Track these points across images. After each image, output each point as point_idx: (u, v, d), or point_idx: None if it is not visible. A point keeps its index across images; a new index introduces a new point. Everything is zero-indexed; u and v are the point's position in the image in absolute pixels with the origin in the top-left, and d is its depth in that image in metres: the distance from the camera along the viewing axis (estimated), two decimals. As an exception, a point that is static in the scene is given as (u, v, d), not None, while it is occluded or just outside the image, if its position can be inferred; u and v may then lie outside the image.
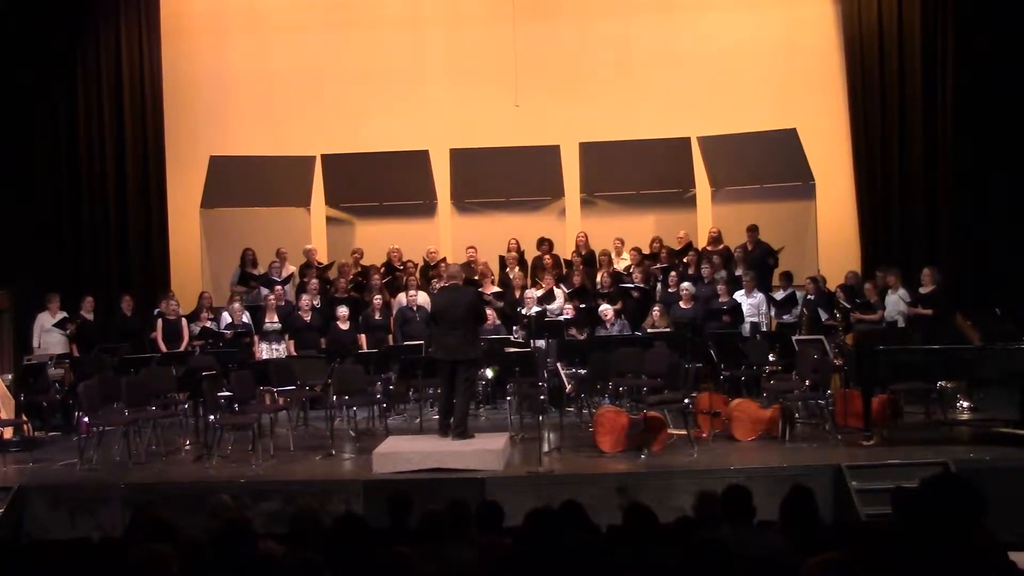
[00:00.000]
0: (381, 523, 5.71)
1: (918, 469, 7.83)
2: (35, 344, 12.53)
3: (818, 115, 14.64)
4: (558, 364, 10.81)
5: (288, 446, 10.26)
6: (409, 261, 13.89)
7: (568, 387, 10.29)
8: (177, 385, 10.92)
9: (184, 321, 12.78)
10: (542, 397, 10.42)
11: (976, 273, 13.11)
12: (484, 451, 9.05)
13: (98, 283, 14.23)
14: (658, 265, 13.50)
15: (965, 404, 11.05)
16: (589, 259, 13.95)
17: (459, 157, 14.77)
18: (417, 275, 13.52)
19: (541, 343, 11.78)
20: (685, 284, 12.68)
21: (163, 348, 12.37)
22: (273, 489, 8.81)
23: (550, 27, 15.18)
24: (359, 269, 13.97)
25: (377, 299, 12.84)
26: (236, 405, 10.23)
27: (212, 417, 10.00)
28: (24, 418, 10.97)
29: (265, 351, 12.41)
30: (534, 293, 12.82)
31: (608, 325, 12.21)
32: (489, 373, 11.52)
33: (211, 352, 11.85)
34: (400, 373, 11.42)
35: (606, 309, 12.32)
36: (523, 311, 12.46)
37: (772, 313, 12.72)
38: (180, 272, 14.86)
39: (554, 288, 12.95)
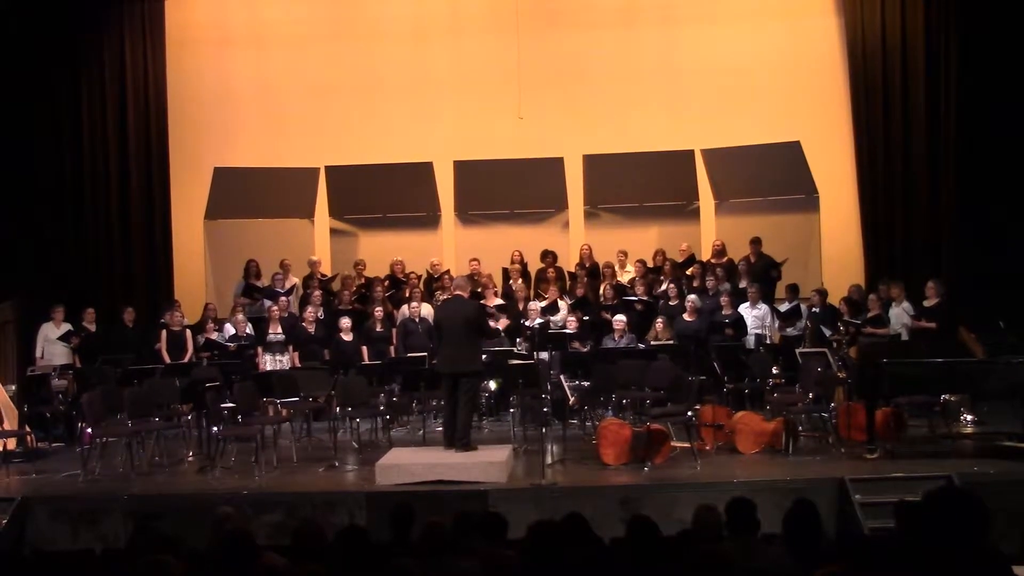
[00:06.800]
0: (384, 535, 5.71)
1: (922, 482, 7.78)
2: (38, 355, 12.55)
3: (822, 128, 14.65)
4: (561, 376, 10.80)
5: (291, 458, 10.24)
6: (412, 273, 13.90)
7: (571, 399, 10.28)
8: (180, 396, 10.91)
9: (188, 332, 12.78)
10: (545, 409, 10.39)
11: (980, 286, 13.09)
12: (487, 463, 9.04)
13: (102, 294, 14.26)
14: (663, 278, 13.49)
15: (969, 417, 11.03)
16: (593, 271, 13.95)
17: (463, 169, 14.79)
18: (420, 287, 13.54)
19: (544, 355, 11.77)
20: (691, 297, 12.68)
21: (167, 359, 12.37)
22: (276, 501, 8.80)
23: (554, 39, 15.20)
24: (362, 281, 13.98)
25: (378, 311, 12.84)
26: (239, 416, 10.22)
27: (215, 428, 9.99)
28: (27, 429, 10.99)
29: (268, 362, 12.41)
30: (538, 305, 12.82)
31: (616, 337, 12.19)
32: (492, 385, 11.54)
33: (214, 363, 11.85)
34: (403, 385, 11.42)
35: (619, 319, 12.28)
36: (526, 323, 12.46)
37: (776, 326, 12.71)
38: (184, 283, 14.88)
39: (558, 300, 12.95)
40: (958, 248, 13.78)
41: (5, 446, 10.61)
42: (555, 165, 14.72)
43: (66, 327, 12.64)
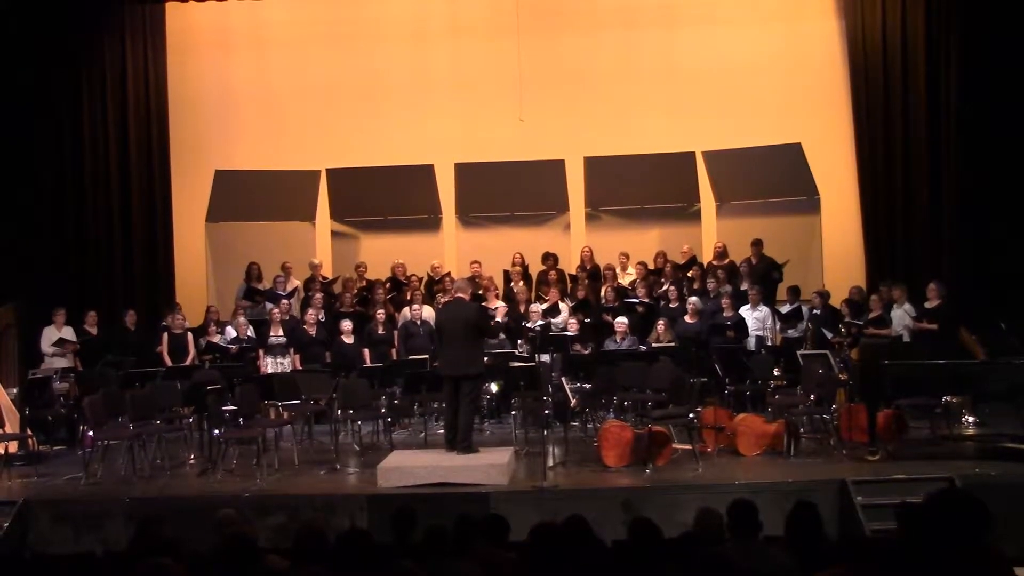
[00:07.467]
0: (385, 538, 5.71)
1: (923, 484, 7.79)
2: (47, 352, 12.52)
3: (823, 130, 14.65)
4: (563, 378, 10.80)
5: (293, 460, 10.24)
6: (413, 275, 13.90)
7: (573, 401, 10.28)
8: (182, 399, 10.92)
9: (190, 335, 12.79)
10: (547, 411, 10.40)
11: (981, 287, 13.09)
12: (489, 465, 9.04)
13: (103, 297, 14.26)
14: (664, 280, 13.48)
15: (970, 419, 11.02)
16: (594, 274, 13.94)
17: (464, 171, 14.79)
18: (421, 289, 13.54)
19: (546, 357, 11.78)
20: (693, 299, 12.69)
21: (168, 362, 12.37)
22: (277, 504, 8.80)
23: (554, 41, 15.21)
24: (364, 283, 13.98)
25: (380, 313, 12.84)
26: (241, 419, 10.22)
27: (217, 431, 10.00)
28: (29, 432, 10.98)
29: (270, 365, 12.40)
30: (539, 307, 12.82)
31: (618, 339, 12.19)
32: (494, 387, 11.54)
33: (216, 366, 11.85)
34: (405, 387, 11.41)
35: (620, 321, 12.28)
36: (528, 325, 12.46)
37: (777, 327, 12.71)
38: (185, 286, 14.90)
39: (559, 302, 12.95)
40: (959, 249, 13.77)
41: (7, 449, 10.61)
42: (556, 167, 14.72)
43: (68, 330, 12.64)
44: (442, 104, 15.25)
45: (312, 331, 12.63)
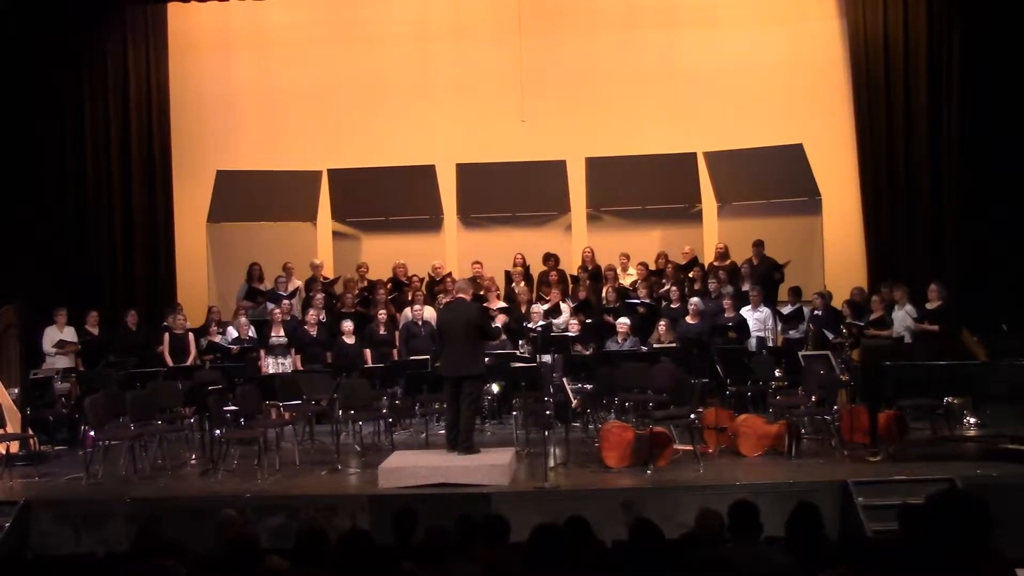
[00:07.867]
0: (387, 538, 5.70)
1: (924, 485, 7.76)
2: (50, 353, 12.53)
3: (824, 130, 14.65)
4: (564, 379, 10.78)
5: (294, 461, 10.24)
6: (414, 276, 13.90)
7: (574, 402, 10.27)
8: (183, 399, 10.93)
9: (191, 335, 12.80)
10: (548, 412, 10.39)
11: (982, 288, 13.08)
12: (490, 466, 9.04)
13: (105, 297, 14.29)
14: (665, 281, 13.48)
15: (971, 420, 10.99)
16: (595, 274, 13.94)
17: (465, 172, 14.80)
18: (423, 290, 13.54)
19: (547, 358, 11.76)
20: (694, 300, 12.69)
21: (169, 362, 12.38)
22: (279, 504, 8.79)
23: (556, 42, 15.22)
24: (365, 284, 13.98)
25: (382, 314, 12.85)
26: (242, 420, 10.23)
27: (218, 432, 9.99)
28: (30, 432, 10.98)
29: (271, 366, 12.40)
30: (540, 308, 12.82)
31: (620, 340, 12.19)
32: (495, 388, 11.53)
33: (217, 366, 11.86)
34: (406, 388, 11.42)
35: (622, 322, 12.28)
36: (529, 326, 12.45)
37: (779, 328, 12.71)
38: (186, 286, 14.91)
39: (560, 302, 12.95)
40: (960, 250, 13.77)
41: (8, 449, 10.60)
42: (557, 168, 14.73)
43: (69, 331, 12.65)
44: (444, 105, 15.27)
45: (313, 331, 12.63)
